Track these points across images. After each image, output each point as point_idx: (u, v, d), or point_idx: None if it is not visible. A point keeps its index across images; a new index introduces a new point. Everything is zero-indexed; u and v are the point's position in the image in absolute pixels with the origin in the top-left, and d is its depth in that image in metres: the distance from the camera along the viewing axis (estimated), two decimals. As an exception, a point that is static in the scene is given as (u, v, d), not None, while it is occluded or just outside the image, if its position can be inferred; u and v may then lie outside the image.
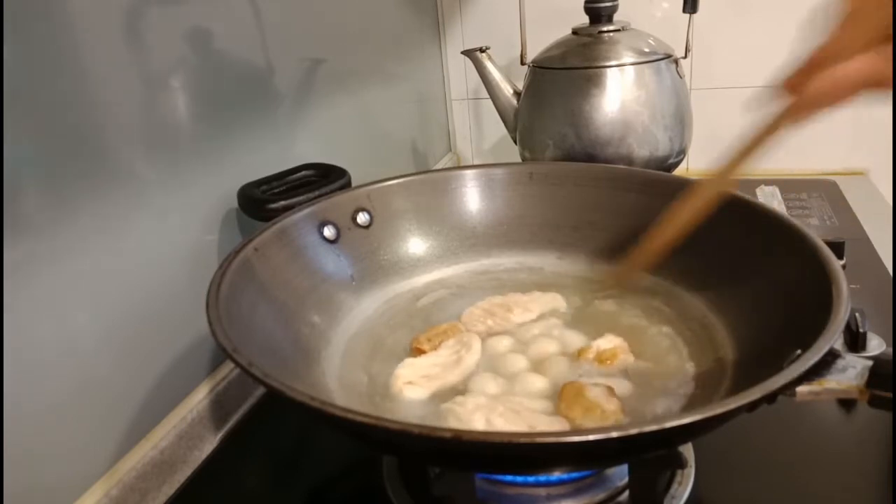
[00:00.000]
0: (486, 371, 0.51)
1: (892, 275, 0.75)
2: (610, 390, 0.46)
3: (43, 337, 0.46)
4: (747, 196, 0.57)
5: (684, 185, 0.61)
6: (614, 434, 0.33)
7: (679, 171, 0.98)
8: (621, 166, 0.83)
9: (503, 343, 0.55)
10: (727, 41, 1.09)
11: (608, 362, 0.51)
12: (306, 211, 0.59)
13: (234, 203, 0.63)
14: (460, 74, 1.21)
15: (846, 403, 0.56)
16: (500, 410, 0.44)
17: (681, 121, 0.91)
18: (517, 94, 0.97)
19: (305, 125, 0.78)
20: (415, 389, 0.50)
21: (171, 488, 0.55)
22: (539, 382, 0.50)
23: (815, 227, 0.87)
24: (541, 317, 0.58)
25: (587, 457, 0.39)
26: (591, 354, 0.51)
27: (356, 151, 0.89)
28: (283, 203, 0.60)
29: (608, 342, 0.52)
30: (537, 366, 0.52)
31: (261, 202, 0.61)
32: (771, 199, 0.94)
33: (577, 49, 0.91)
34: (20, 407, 0.44)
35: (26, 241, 0.44)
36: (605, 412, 0.44)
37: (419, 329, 0.57)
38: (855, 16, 0.39)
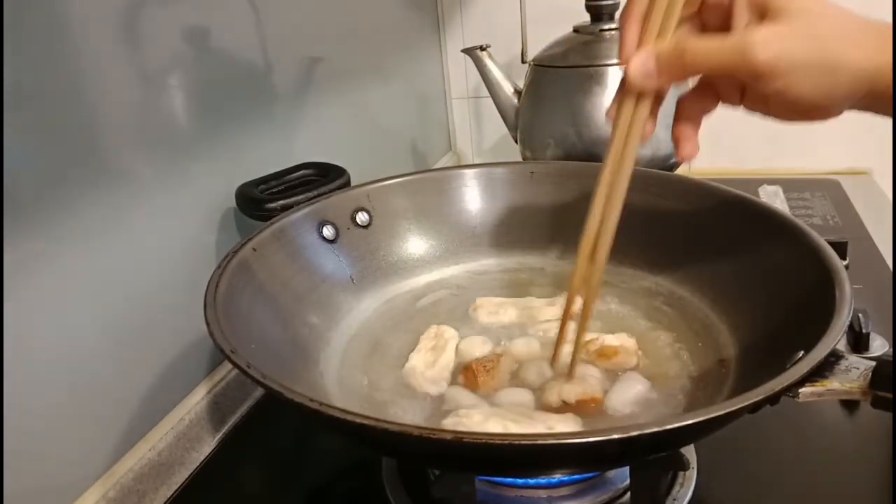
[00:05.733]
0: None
1: (894, 275, 0.75)
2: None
3: (40, 337, 0.46)
4: (750, 196, 0.56)
5: (686, 185, 0.61)
6: (615, 436, 0.32)
7: (681, 171, 0.97)
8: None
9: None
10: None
11: (606, 359, 0.50)
12: (305, 210, 0.58)
13: (233, 202, 0.63)
14: (460, 73, 1.21)
15: (849, 404, 0.55)
16: (511, 417, 0.44)
17: (682, 120, 0.91)
18: (518, 92, 0.96)
19: (304, 124, 0.77)
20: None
21: (168, 490, 0.54)
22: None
23: (817, 227, 0.86)
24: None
25: (588, 459, 0.39)
26: (593, 347, 0.51)
27: (355, 150, 0.88)
28: (281, 202, 0.59)
29: (616, 339, 0.52)
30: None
31: (259, 202, 0.60)
32: (774, 198, 0.94)
33: (579, 47, 0.91)
34: (18, 408, 0.43)
35: (24, 241, 0.44)
36: None
37: (419, 330, 0.56)
38: None
